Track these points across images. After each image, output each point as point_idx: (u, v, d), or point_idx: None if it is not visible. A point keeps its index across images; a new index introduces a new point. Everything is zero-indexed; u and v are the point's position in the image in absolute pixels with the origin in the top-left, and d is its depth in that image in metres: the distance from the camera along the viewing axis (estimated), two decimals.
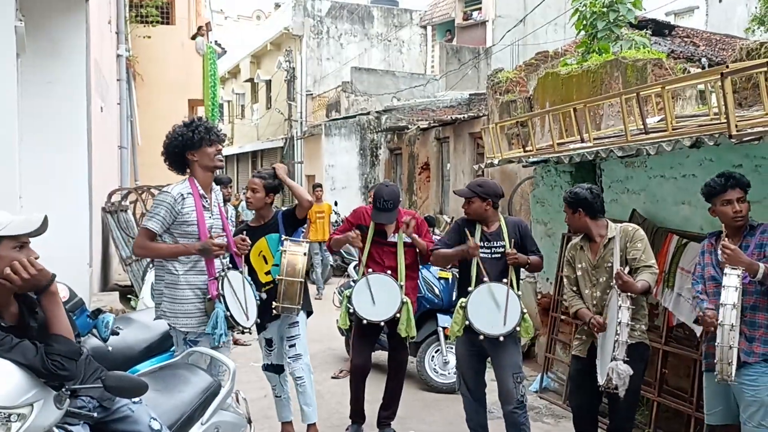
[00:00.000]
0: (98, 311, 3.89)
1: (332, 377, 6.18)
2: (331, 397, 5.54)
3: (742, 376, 3.24)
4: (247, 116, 27.20)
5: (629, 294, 3.62)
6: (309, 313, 4.62)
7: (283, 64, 21.07)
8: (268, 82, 23.92)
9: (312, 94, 20.80)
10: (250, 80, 25.65)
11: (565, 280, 4.20)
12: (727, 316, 3.13)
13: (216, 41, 18.78)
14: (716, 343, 3.17)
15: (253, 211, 4.67)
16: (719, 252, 3.33)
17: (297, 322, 4.45)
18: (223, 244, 3.71)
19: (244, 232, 4.24)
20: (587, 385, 3.91)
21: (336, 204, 14.48)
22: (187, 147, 3.70)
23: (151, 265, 7.51)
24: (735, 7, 15.25)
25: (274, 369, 4.58)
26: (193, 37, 14.31)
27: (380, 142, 16.85)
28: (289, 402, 4.64)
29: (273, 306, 4.26)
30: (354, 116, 17.40)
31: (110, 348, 3.84)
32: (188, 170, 3.78)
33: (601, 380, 3.66)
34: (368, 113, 17.18)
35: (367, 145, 17.07)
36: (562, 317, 5.86)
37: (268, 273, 4.47)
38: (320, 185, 11.57)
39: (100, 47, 8.40)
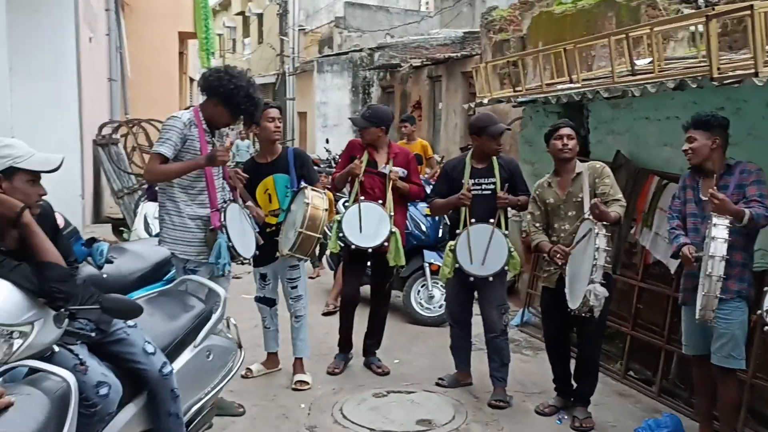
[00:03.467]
0: (93, 240, 3.99)
1: (323, 314, 6.33)
2: (319, 329, 5.72)
3: (717, 311, 3.36)
4: (238, 51, 26.72)
5: (604, 223, 3.77)
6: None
7: None
8: (260, 16, 23.43)
9: (304, 29, 20.42)
10: (242, 13, 25.11)
11: (528, 216, 4.37)
12: (716, 267, 3.20)
13: None
14: (703, 293, 3.25)
15: (248, 151, 4.72)
16: (704, 197, 3.40)
17: (298, 264, 4.55)
18: (227, 149, 3.81)
19: (250, 169, 4.29)
20: (557, 315, 4.16)
21: (327, 142, 14.47)
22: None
23: (143, 198, 7.59)
24: None
25: (266, 302, 4.69)
26: None
27: (373, 79, 16.68)
28: (277, 334, 4.79)
29: (282, 253, 4.30)
30: (346, 53, 17.17)
31: (105, 275, 3.94)
32: (208, 104, 3.78)
33: (573, 305, 3.84)
34: (361, 50, 16.94)
35: (359, 82, 16.91)
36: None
37: (273, 213, 4.48)
38: (411, 118, 8.89)
39: None
